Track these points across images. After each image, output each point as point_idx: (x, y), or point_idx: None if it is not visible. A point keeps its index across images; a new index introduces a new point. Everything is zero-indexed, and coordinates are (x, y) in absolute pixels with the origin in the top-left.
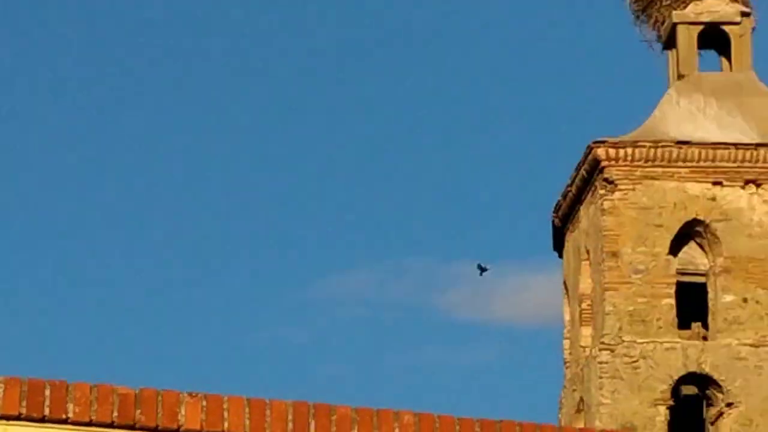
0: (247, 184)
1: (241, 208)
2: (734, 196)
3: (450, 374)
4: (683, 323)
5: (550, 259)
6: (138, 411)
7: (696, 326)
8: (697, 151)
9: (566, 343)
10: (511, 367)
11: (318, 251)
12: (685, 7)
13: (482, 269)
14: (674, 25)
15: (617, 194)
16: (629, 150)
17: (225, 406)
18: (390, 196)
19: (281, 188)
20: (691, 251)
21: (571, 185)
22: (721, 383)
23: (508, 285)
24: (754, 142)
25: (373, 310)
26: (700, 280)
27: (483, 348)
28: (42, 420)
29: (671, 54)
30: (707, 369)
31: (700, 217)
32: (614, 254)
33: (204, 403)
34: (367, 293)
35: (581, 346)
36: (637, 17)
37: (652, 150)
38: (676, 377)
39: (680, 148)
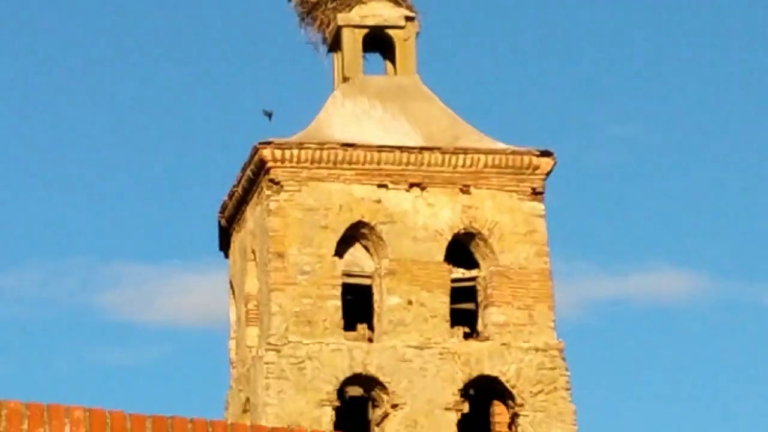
0: None
1: None
2: (399, 199)
3: (114, 374)
4: (349, 325)
5: (216, 260)
6: None
7: (362, 328)
8: (362, 154)
9: (232, 343)
10: (176, 367)
11: None
12: (350, 11)
13: (268, 114)
14: (339, 28)
15: (283, 195)
16: (295, 151)
17: None
18: (45, 196)
19: None
20: (357, 253)
21: (237, 186)
22: (386, 385)
23: (172, 285)
24: (418, 145)
25: (36, 309)
26: (366, 282)
27: (146, 348)
28: None
29: (336, 57)
30: (372, 371)
31: (366, 220)
32: (280, 255)
33: None
34: (29, 292)
35: (248, 347)
36: (302, 19)
37: (318, 152)
38: (341, 378)
39: (345, 150)
